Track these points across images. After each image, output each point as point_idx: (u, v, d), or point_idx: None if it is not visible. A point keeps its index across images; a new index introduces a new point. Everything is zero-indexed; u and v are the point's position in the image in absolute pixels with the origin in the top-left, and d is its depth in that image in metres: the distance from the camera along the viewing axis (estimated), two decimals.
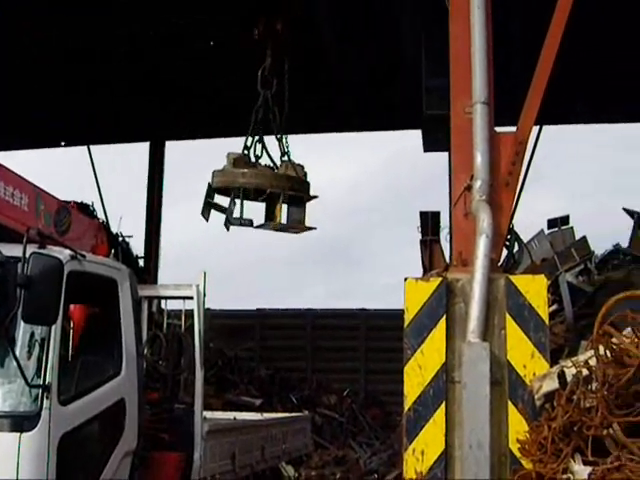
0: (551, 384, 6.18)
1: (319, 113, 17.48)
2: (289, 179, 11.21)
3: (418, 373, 6.62)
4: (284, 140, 11.55)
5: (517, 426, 6.39)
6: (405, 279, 6.77)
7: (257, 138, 11.36)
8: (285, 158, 11.53)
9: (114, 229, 16.26)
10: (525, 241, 11.64)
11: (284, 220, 11.28)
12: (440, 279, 6.73)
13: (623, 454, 4.97)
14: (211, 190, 11.32)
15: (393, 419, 20.24)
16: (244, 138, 11.39)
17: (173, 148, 21.67)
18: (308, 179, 11.56)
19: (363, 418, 21.96)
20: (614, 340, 5.34)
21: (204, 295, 9.23)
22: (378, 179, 40.80)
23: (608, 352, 5.39)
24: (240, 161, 11.16)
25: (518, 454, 6.26)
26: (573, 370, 5.81)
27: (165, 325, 9.92)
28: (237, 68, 13.98)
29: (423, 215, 11.70)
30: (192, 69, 15.73)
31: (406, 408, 6.65)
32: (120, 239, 16.38)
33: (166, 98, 17.11)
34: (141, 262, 19.65)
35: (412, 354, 6.65)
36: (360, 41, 14.23)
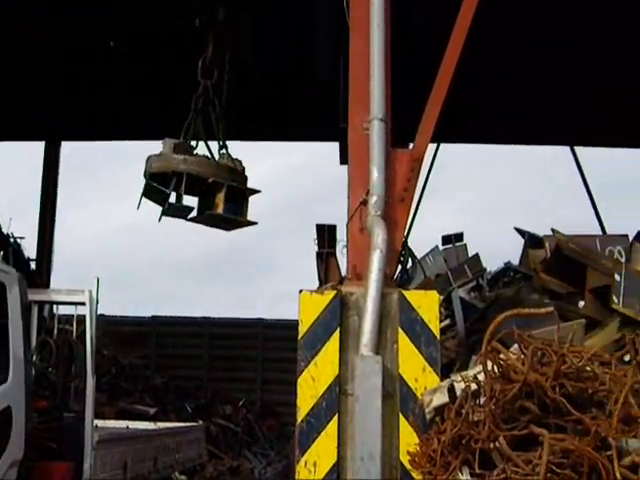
0: (441, 398, 6.27)
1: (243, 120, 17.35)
2: (231, 171, 10.94)
3: (311, 385, 6.64)
4: (222, 132, 11.32)
5: (408, 438, 6.45)
6: (300, 291, 6.79)
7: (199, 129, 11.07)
8: (223, 151, 11.30)
9: (5, 230, 15.91)
10: (420, 257, 11.80)
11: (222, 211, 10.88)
12: (334, 292, 6.76)
13: (508, 467, 5.05)
14: (150, 176, 10.87)
15: (289, 430, 20.23)
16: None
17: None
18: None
19: (259, 428, 21.91)
20: (502, 356, 5.46)
21: (97, 301, 9.09)
22: (283, 188, 40.85)
23: (496, 368, 5.50)
24: (181, 147, 10.85)
25: (409, 466, 6.31)
26: (462, 384, 5.91)
27: (56, 331, 9.69)
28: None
29: (320, 228, 11.74)
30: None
31: (299, 420, 6.65)
32: (12, 240, 16.00)
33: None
34: (33, 265, 19.24)
35: (305, 366, 6.66)
36: (278, 56, 14.20)
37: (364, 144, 7.10)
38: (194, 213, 11.22)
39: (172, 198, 10.82)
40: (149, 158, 10.80)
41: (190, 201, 11.24)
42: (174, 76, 15.09)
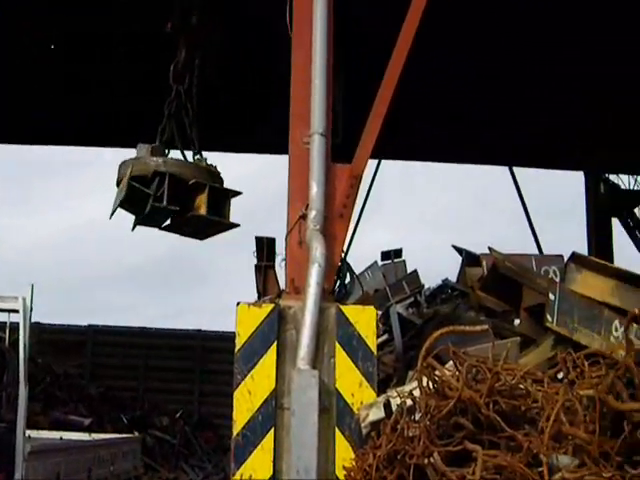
0: (377, 413, 6.30)
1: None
2: (210, 173, 10.75)
3: (247, 399, 6.62)
4: (195, 137, 11.17)
5: (344, 453, 6.47)
6: (237, 304, 6.76)
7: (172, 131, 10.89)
8: (198, 157, 11.14)
9: None
10: (359, 272, 11.85)
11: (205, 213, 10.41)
12: (272, 305, 6.76)
13: None
14: (131, 179, 10.31)
15: (226, 442, 20.00)
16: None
17: None
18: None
19: (196, 440, 21.75)
20: (437, 372, 5.50)
21: (31, 309, 8.96)
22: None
23: (431, 384, 5.53)
24: (157, 151, 10.62)
25: None
26: (398, 400, 5.94)
27: None
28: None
29: (259, 240, 11.67)
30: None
31: (235, 433, 6.63)
32: None
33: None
34: None
35: (242, 379, 6.65)
36: (238, 69, 14.12)
37: (304, 158, 7.13)
38: (168, 222, 10.99)
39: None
40: (125, 163, 10.54)
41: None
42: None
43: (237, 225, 10.80)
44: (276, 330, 6.68)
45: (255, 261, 11.72)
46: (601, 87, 14.87)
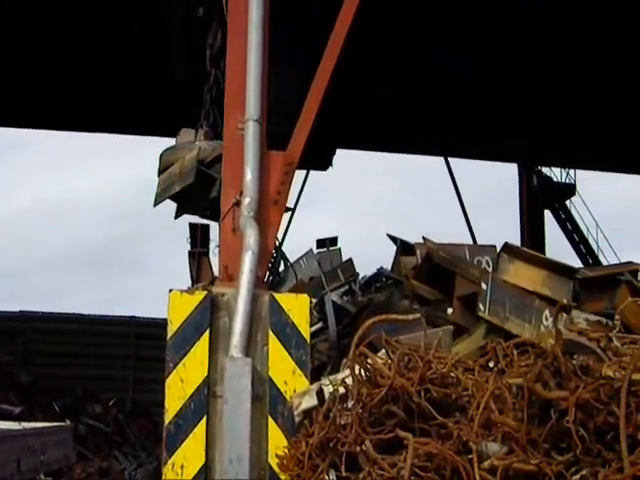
0: (310, 401, 6.30)
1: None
2: None
3: (180, 387, 6.55)
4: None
5: (277, 441, 6.45)
6: (170, 290, 6.69)
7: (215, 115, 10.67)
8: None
9: None
10: (295, 259, 11.83)
11: None
12: (205, 293, 6.68)
13: (374, 470, 5.10)
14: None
15: (160, 430, 19.86)
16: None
17: None
18: None
19: (129, 428, 21.55)
20: (369, 361, 5.51)
21: None
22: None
23: (363, 372, 5.55)
24: (209, 135, 10.22)
25: (277, 469, 6.32)
26: (331, 388, 5.95)
27: None
28: None
29: (192, 227, 11.54)
30: None
31: (167, 422, 6.56)
32: None
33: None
34: None
35: (174, 367, 6.57)
36: None
37: (238, 145, 7.07)
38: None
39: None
40: (173, 149, 10.06)
41: None
42: None
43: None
44: (209, 318, 6.61)
45: (189, 248, 11.60)
46: (535, 80, 15.09)
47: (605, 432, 4.20)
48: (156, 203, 10.10)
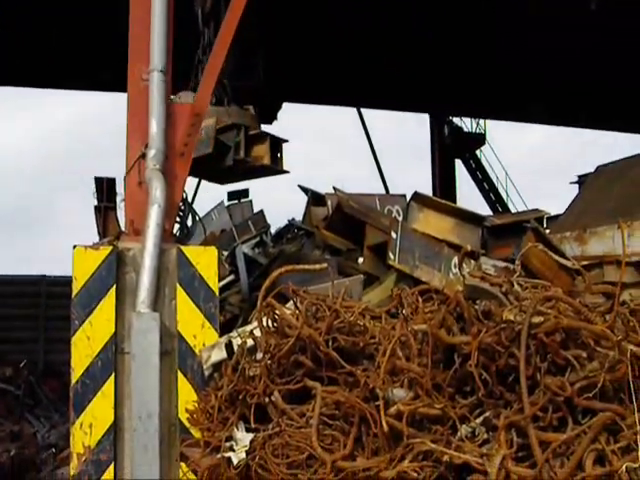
0: (219, 354, 6.27)
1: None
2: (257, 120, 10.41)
3: (86, 344, 6.46)
4: (227, 84, 10.56)
5: (186, 396, 6.41)
6: (74, 247, 6.54)
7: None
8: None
9: None
10: (207, 212, 11.72)
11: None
12: (111, 248, 6.54)
13: (283, 420, 5.11)
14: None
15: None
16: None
17: None
18: None
19: (41, 390, 21.21)
20: (277, 311, 5.49)
21: None
22: (69, 140, 39.51)
23: (271, 323, 5.53)
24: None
25: (187, 423, 6.31)
26: (239, 340, 5.93)
27: None
28: None
29: (98, 181, 11.30)
30: None
31: (73, 381, 6.48)
32: None
33: None
34: None
35: (80, 325, 6.48)
36: None
37: (143, 96, 6.88)
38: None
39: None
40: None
41: None
42: None
43: (287, 172, 10.66)
44: (115, 273, 6.48)
45: (95, 202, 11.37)
46: (448, 34, 15.22)
47: (507, 375, 4.26)
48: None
